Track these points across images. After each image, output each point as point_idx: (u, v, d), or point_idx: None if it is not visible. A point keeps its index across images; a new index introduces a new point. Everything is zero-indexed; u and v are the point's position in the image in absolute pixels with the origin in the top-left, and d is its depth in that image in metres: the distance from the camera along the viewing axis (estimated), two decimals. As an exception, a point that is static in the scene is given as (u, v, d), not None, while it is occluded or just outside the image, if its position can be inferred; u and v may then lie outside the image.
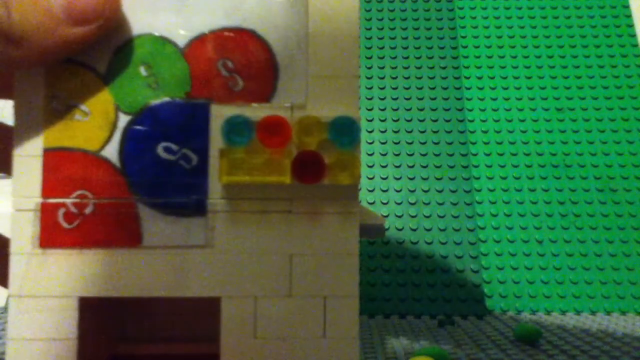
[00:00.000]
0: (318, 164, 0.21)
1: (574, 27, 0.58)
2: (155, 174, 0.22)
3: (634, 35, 0.57)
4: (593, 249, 0.48)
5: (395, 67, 0.55)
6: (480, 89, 0.55)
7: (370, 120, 0.53)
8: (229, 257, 0.21)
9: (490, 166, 0.52)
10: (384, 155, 0.51)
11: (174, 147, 0.22)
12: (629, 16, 0.58)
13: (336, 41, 0.22)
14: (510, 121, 0.54)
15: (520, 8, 0.59)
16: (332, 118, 0.21)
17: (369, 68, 0.55)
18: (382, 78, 0.55)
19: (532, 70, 0.56)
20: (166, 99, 0.22)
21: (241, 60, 0.22)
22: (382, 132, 0.52)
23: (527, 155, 0.52)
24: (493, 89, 0.55)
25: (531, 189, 0.51)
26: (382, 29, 0.57)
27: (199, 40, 0.22)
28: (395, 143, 0.52)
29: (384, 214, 0.48)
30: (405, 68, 0.55)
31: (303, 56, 0.22)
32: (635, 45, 0.56)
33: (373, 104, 0.54)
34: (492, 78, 0.56)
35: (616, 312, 0.46)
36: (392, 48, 0.56)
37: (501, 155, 0.52)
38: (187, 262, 0.21)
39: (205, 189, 0.22)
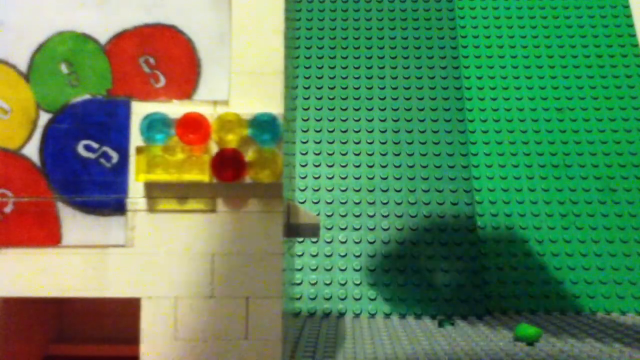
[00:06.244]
0: (238, 162, 0.20)
1: (574, 27, 0.57)
2: (75, 172, 0.21)
3: (634, 35, 0.57)
4: (593, 249, 0.48)
5: (395, 67, 0.55)
6: (480, 89, 0.55)
7: (370, 121, 0.53)
8: (150, 256, 0.21)
9: (490, 166, 0.52)
10: (384, 155, 0.51)
11: (94, 145, 0.21)
12: (629, 16, 0.57)
13: (260, 37, 0.22)
14: (510, 121, 0.54)
15: (520, 8, 0.59)
16: (253, 115, 0.21)
17: (369, 68, 0.55)
18: (382, 78, 0.55)
19: (532, 70, 0.56)
20: (87, 96, 0.22)
21: (163, 56, 0.22)
22: (382, 132, 0.52)
23: (527, 155, 0.52)
24: (493, 89, 0.55)
25: (531, 189, 0.51)
26: (382, 29, 0.57)
27: (120, 37, 0.22)
28: (395, 143, 0.52)
29: (384, 214, 0.48)
30: (405, 68, 0.55)
31: (226, 52, 0.22)
32: (636, 45, 0.56)
33: (373, 104, 0.54)
34: (492, 78, 0.56)
35: (616, 312, 0.46)
36: (392, 48, 0.56)
37: (501, 155, 0.52)
38: (106, 262, 0.21)
39: (126, 188, 0.21)
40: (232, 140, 0.21)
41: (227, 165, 0.20)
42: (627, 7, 0.58)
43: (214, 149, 0.21)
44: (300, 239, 0.44)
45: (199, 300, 0.21)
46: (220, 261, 0.21)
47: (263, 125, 0.21)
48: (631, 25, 0.57)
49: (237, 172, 0.20)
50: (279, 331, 0.21)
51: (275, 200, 0.21)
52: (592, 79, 0.55)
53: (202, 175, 0.20)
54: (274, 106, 0.21)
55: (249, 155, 0.21)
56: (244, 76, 0.21)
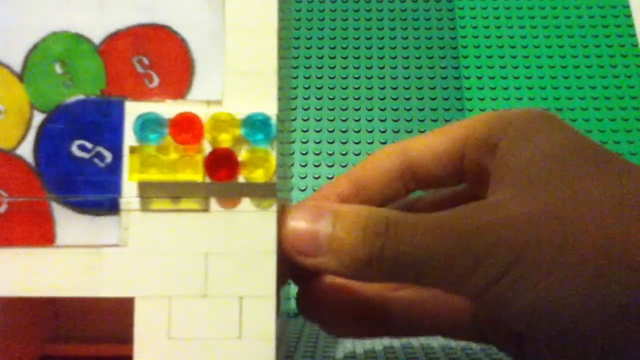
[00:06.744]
0: (231, 161, 0.20)
1: (574, 27, 0.57)
2: (69, 172, 0.21)
3: (634, 35, 0.56)
4: (592, 249, 0.48)
5: (395, 67, 0.55)
6: (480, 89, 0.55)
7: (370, 121, 0.53)
8: (143, 256, 0.21)
9: (489, 166, 0.52)
10: (384, 155, 0.51)
11: (88, 145, 0.21)
12: (629, 16, 0.57)
13: (254, 37, 0.22)
14: (510, 121, 0.54)
15: (520, 8, 0.59)
16: (246, 114, 0.21)
17: (369, 68, 0.55)
18: (382, 78, 0.55)
19: (532, 70, 0.56)
20: (81, 96, 0.22)
21: (156, 56, 0.22)
22: (382, 132, 0.52)
23: (527, 155, 0.52)
24: (493, 89, 0.55)
25: (531, 189, 0.51)
26: (382, 29, 0.57)
27: (114, 37, 0.22)
28: (395, 143, 0.52)
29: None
30: (406, 68, 0.55)
31: (220, 52, 0.22)
32: (636, 45, 0.56)
33: (373, 104, 0.54)
34: (492, 78, 0.56)
35: (615, 312, 0.46)
36: (392, 48, 0.56)
37: (501, 155, 0.52)
38: (100, 262, 0.21)
39: (119, 187, 0.21)
40: (225, 139, 0.21)
41: (220, 164, 0.20)
42: (627, 7, 0.58)
43: (207, 148, 0.21)
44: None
45: (192, 299, 0.21)
46: (213, 260, 0.21)
47: (256, 124, 0.21)
48: (631, 25, 0.57)
49: (230, 171, 0.20)
50: (272, 330, 0.21)
51: (268, 200, 0.21)
52: (592, 79, 0.55)
53: (195, 174, 0.20)
54: (268, 106, 0.21)
55: (242, 154, 0.21)
56: (237, 76, 0.21)
